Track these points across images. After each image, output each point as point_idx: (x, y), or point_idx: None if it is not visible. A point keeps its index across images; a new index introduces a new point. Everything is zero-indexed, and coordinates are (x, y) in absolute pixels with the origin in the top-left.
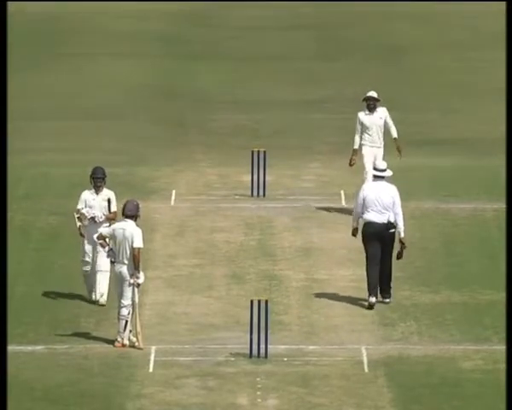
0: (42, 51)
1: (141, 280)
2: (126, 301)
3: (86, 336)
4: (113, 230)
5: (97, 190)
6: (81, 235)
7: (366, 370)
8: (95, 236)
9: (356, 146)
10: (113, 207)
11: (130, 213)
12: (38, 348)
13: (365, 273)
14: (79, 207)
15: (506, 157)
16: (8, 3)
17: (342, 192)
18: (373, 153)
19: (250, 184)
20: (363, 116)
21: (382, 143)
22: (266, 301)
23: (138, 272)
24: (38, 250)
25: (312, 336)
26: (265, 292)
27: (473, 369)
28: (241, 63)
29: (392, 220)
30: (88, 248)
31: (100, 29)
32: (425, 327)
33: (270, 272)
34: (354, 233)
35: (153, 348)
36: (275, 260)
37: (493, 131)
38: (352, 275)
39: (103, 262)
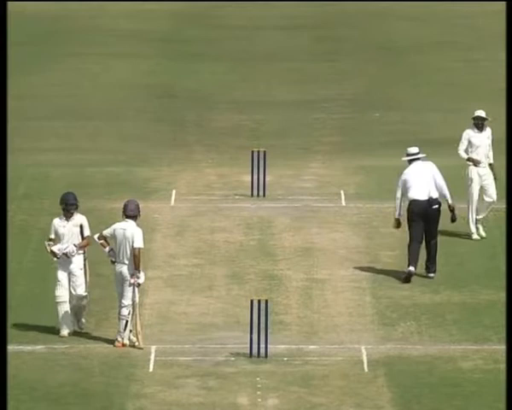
0: (42, 51)
1: (141, 280)
2: (127, 301)
3: (86, 336)
4: (114, 230)
5: (68, 217)
6: (54, 256)
7: (366, 370)
8: (95, 236)
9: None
10: (86, 232)
11: (133, 213)
12: (38, 348)
13: (406, 250)
14: (52, 236)
15: (506, 157)
16: (8, 3)
17: (342, 192)
18: (479, 174)
19: (250, 184)
20: (472, 134)
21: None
22: (266, 301)
23: (139, 272)
24: (38, 250)
25: (312, 336)
26: (265, 292)
27: (473, 369)
28: (241, 63)
29: (434, 196)
30: (62, 278)
31: (100, 29)
32: (425, 327)
33: (270, 272)
34: (398, 223)
35: (153, 348)
36: (275, 260)
37: (493, 131)
38: (351, 275)
39: (82, 292)
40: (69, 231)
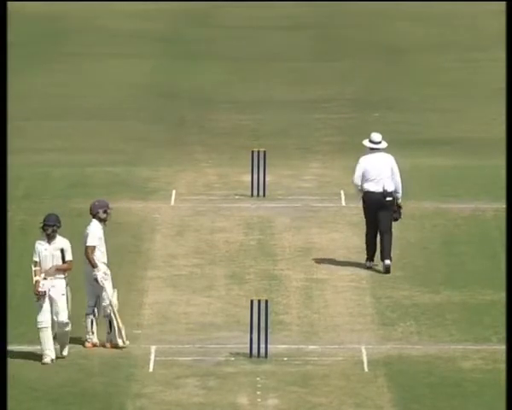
0: (42, 51)
1: (98, 276)
2: (104, 302)
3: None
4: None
5: (49, 239)
6: (37, 293)
7: (366, 369)
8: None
9: None
10: (68, 257)
11: (90, 212)
12: (38, 348)
13: (365, 239)
14: (35, 259)
15: (506, 157)
16: (8, 3)
17: (342, 192)
18: None
19: (250, 184)
20: None
21: None
22: (266, 301)
23: (93, 268)
24: None
25: (312, 336)
26: (265, 292)
27: (473, 369)
28: (241, 63)
29: (389, 189)
30: (44, 304)
31: (100, 29)
32: (425, 327)
33: (270, 272)
34: (359, 195)
35: (153, 348)
36: (275, 260)
37: (493, 131)
38: (352, 275)
39: (64, 318)
40: (51, 254)
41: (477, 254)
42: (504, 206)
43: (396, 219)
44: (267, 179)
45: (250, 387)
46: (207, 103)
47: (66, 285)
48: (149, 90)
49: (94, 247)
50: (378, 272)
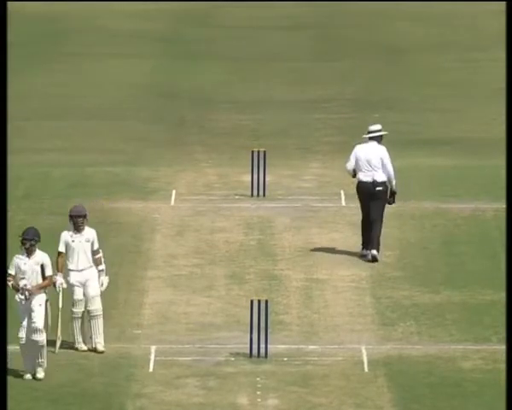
0: (42, 51)
1: (57, 282)
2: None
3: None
4: None
5: (28, 253)
6: (19, 290)
7: (366, 370)
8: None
9: None
10: (48, 272)
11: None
12: None
13: (361, 226)
14: (11, 272)
15: (506, 157)
16: (8, 3)
17: (342, 192)
18: None
19: (250, 184)
20: None
21: None
22: (266, 301)
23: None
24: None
25: (312, 336)
26: (265, 292)
27: (473, 369)
28: (241, 63)
29: (379, 179)
30: (24, 320)
31: (100, 29)
32: (425, 327)
33: (270, 272)
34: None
35: (153, 348)
36: (275, 260)
37: (493, 131)
38: (352, 275)
39: (38, 336)
40: (30, 268)
41: (477, 254)
42: (504, 206)
43: (390, 204)
44: (267, 179)
45: (250, 387)
46: (207, 103)
47: (47, 301)
48: (149, 90)
49: (59, 252)
50: (378, 271)
